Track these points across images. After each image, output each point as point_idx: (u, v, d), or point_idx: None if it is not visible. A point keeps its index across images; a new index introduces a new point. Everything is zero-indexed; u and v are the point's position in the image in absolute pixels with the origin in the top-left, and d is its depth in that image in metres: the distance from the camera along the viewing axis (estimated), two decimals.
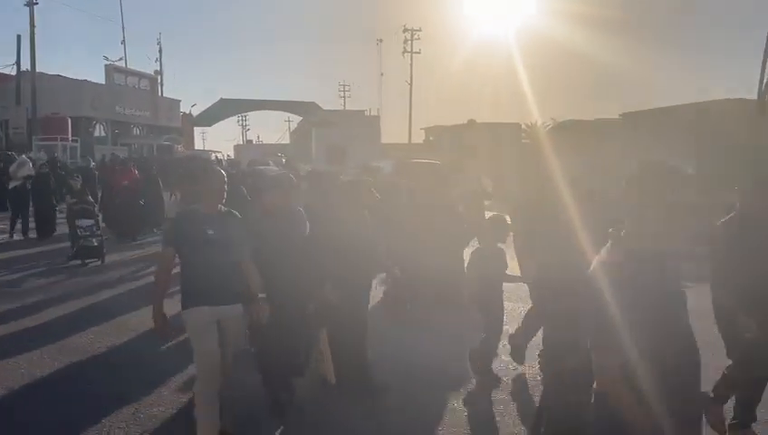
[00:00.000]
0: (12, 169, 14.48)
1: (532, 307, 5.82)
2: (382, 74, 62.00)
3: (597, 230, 5.32)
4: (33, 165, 14.80)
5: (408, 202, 8.52)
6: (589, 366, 3.34)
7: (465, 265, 5.72)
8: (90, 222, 10.87)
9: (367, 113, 52.19)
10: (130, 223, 13.88)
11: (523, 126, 40.13)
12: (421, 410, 4.89)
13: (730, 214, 4.23)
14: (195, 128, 58.82)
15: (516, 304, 7.64)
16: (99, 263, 10.88)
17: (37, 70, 35.45)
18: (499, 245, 5.58)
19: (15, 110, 35.19)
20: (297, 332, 4.59)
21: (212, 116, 56.87)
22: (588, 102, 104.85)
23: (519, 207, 5.90)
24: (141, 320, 7.21)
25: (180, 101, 53.08)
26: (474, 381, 5.42)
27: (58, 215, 14.22)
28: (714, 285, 4.15)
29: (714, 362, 5.22)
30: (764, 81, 17.43)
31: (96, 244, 10.88)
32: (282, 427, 4.59)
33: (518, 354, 5.65)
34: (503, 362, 5.78)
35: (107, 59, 45.69)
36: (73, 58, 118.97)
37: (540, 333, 5.95)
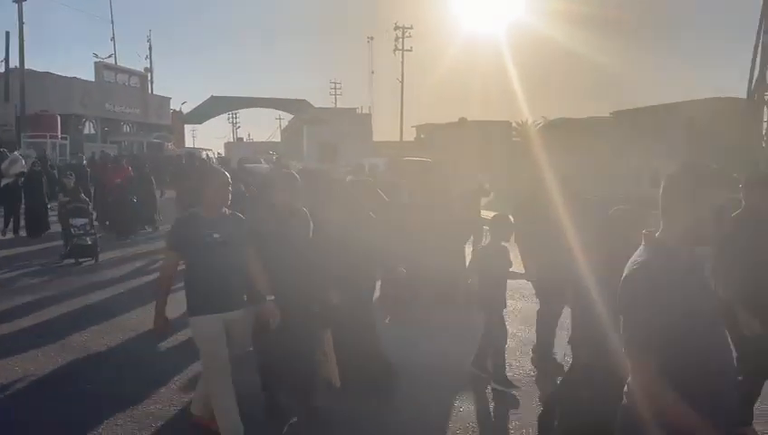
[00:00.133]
0: (3, 166, 14.30)
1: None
2: (373, 72, 61.87)
3: (587, 229, 5.43)
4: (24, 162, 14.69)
5: (408, 202, 8.56)
6: (603, 363, 3.39)
7: (468, 263, 5.73)
8: (83, 220, 10.79)
9: (358, 111, 52.24)
10: (124, 221, 13.83)
11: (514, 124, 40.29)
12: (422, 410, 4.91)
13: (735, 211, 4.27)
14: (185, 125, 58.78)
15: (518, 302, 7.72)
16: (93, 262, 10.82)
17: (26, 67, 35.16)
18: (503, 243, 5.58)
19: (4, 107, 34.91)
20: (301, 334, 4.56)
21: (202, 114, 56.75)
22: (579, 101, 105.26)
23: (518, 207, 5.96)
24: (139, 319, 7.22)
25: (170, 98, 52.94)
26: (476, 380, 5.43)
27: (49, 213, 14.15)
28: (716, 282, 4.20)
29: None
30: (754, 80, 17.57)
31: (90, 242, 10.82)
32: (285, 427, 4.59)
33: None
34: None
35: (96, 56, 45.62)
36: (63, 55, 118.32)
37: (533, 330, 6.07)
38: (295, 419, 4.65)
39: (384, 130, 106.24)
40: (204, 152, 35.19)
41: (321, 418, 4.64)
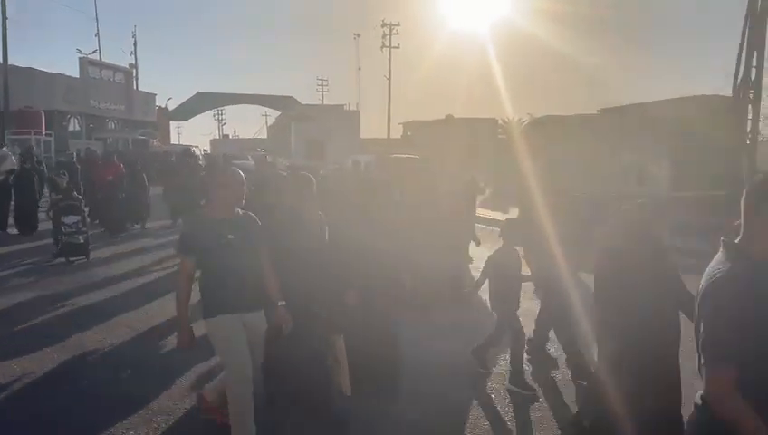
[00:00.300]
0: None
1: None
2: (360, 69, 61.85)
3: (573, 226, 5.51)
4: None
5: (401, 201, 8.59)
6: (627, 363, 3.46)
7: (484, 263, 5.68)
8: (76, 218, 10.68)
9: (346, 108, 52.18)
10: (115, 218, 13.76)
11: (500, 121, 40.39)
12: (428, 409, 4.94)
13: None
14: (170, 122, 58.44)
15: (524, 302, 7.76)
16: (84, 260, 10.74)
17: (9, 63, 34.76)
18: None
19: None
20: (312, 340, 4.44)
21: (188, 110, 56.58)
22: (564, 99, 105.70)
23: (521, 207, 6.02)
24: (138, 318, 7.27)
25: (156, 94, 52.67)
26: (481, 377, 5.49)
27: (39, 210, 14.05)
28: None
29: None
30: (739, 78, 17.80)
31: (82, 241, 10.72)
32: (293, 428, 4.58)
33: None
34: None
35: (80, 52, 45.10)
36: (46, 51, 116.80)
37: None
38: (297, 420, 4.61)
39: (371, 126, 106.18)
40: (192, 149, 35.06)
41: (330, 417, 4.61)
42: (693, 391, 2.30)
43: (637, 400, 3.51)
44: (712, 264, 2.24)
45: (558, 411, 4.95)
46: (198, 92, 54.82)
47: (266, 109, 64.90)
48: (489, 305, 5.74)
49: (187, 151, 15.36)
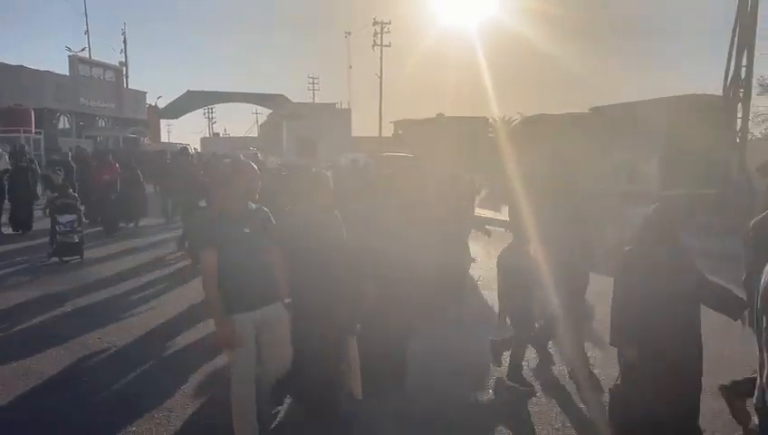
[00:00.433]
0: None
1: None
2: (351, 67, 61.82)
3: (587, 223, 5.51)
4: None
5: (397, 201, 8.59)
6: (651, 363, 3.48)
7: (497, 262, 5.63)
8: (71, 217, 10.61)
9: (337, 106, 52.16)
10: (111, 218, 13.73)
11: (491, 120, 40.49)
12: (430, 404, 4.96)
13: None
14: (161, 120, 58.20)
15: None
16: (79, 259, 10.68)
17: None
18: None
19: None
20: (324, 341, 4.35)
21: (178, 108, 56.38)
22: (554, 98, 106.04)
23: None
24: (140, 319, 7.29)
25: (146, 92, 52.34)
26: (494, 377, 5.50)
27: (34, 210, 14.00)
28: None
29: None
30: (729, 77, 17.95)
31: (77, 240, 10.66)
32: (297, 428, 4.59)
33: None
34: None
35: (69, 49, 44.83)
36: (36, 48, 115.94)
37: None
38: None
39: (361, 125, 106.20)
40: (181, 147, 34.95)
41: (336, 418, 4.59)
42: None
43: (654, 405, 3.54)
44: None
45: (556, 407, 5.00)
46: (189, 90, 54.68)
47: (257, 107, 64.84)
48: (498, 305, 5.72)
49: (184, 150, 15.30)
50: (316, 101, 61.99)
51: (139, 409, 4.86)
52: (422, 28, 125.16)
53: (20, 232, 13.57)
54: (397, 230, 5.07)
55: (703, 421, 3.97)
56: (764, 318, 2.24)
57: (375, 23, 48.76)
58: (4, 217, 13.89)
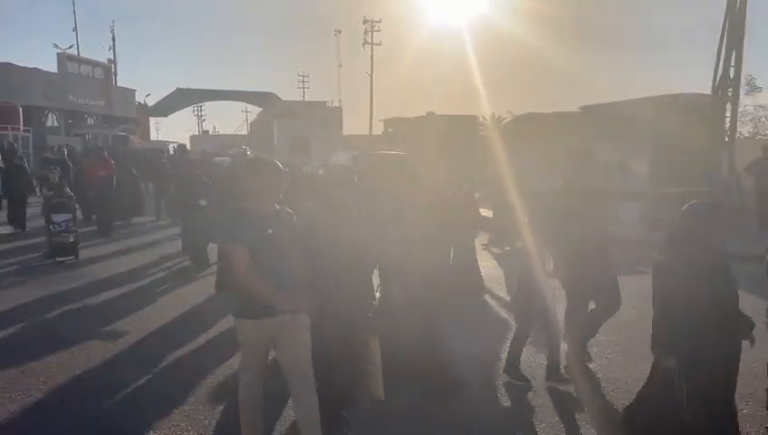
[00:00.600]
0: None
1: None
2: (341, 65, 61.83)
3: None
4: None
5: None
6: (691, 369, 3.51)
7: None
8: (65, 217, 10.47)
9: (328, 105, 52.16)
10: (107, 216, 13.70)
11: (481, 119, 40.59)
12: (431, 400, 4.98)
13: None
14: (150, 118, 57.95)
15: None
16: (74, 259, 10.58)
17: None
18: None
19: None
20: (346, 343, 4.28)
21: (168, 106, 56.19)
22: (545, 97, 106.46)
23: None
24: (141, 320, 7.29)
25: (135, 90, 52.10)
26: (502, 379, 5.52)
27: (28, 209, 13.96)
28: None
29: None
30: (719, 77, 18.14)
31: (72, 240, 10.54)
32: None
33: None
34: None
35: (57, 46, 44.58)
36: (23, 45, 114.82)
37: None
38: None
39: (352, 123, 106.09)
40: (171, 145, 34.84)
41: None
42: None
43: (693, 410, 3.57)
44: None
45: (552, 403, 5.08)
46: (178, 88, 54.53)
47: (247, 105, 64.72)
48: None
49: (182, 148, 15.26)
50: (306, 99, 61.96)
51: (141, 409, 4.90)
52: (412, 26, 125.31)
53: (21, 230, 13.52)
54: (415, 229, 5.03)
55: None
56: None
57: (365, 21, 48.86)
58: (3, 216, 13.80)
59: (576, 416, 4.84)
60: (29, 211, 14.24)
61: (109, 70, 48.63)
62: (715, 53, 18.19)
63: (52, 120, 41.04)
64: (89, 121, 44.28)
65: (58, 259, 10.48)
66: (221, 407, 4.93)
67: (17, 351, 6.23)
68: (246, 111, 69.38)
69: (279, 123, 46.35)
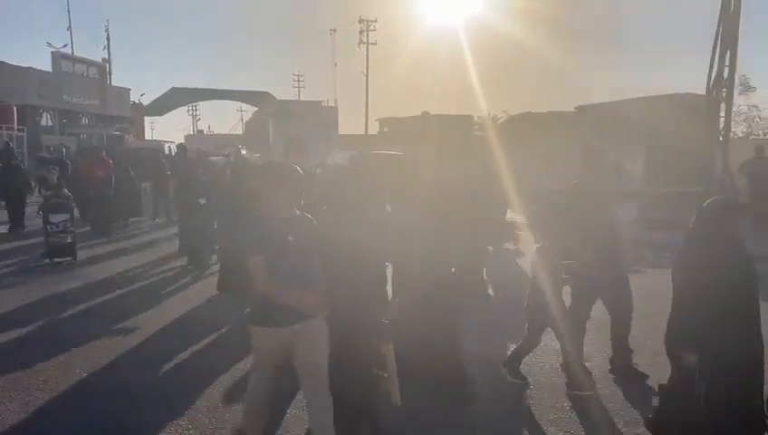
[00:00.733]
0: None
1: None
2: (336, 65, 61.77)
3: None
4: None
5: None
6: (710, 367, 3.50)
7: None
8: (63, 217, 10.42)
9: (324, 104, 52.13)
10: (106, 216, 13.69)
11: (476, 118, 40.65)
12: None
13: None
14: (144, 117, 57.78)
15: None
16: (71, 260, 10.54)
17: None
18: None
19: None
20: (363, 352, 4.24)
21: (163, 105, 56.03)
22: (539, 97, 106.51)
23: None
24: (143, 320, 7.27)
25: (130, 89, 51.90)
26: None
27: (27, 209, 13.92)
28: None
29: None
30: (713, 77, 18.23)
31: (69, 240, 10.50)
32: None
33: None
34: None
35: (51, 45, 44.39)
36: (17, 44, 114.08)
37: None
38: None
39: (347, 123, 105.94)
40: (166, 145, 34.77)
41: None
42: None
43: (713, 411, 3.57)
44: None
45: (549, 399, 5.13)
46: (173, 87, 54.37)
47: (242, 104, 64.60)
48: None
49: (182, 148, 15.22)
50: (301, 98, 61.93)
51: (141, 409, 4.91)
52: (408, 26, 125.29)
53: (21, 229, 13.51)
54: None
55: None
56: None
57: (361, 20, 48.89)
58: (3, 216, 13.79)
59: (576, 416, 4.87)
60: (26, 211, 14.16)
61: (103, 69, 48.44)
62: (710, 54, 18.30)
63: (46, 120, 40.88)
64: (83, 121, 44.13)
65: (55, 260, 10.44)
66: (222, 408, 4.95)
67: (17, 351, 6.25)
68: (241, 111, 69.36)
69: (274, 123, 46.29)
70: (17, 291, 8.72)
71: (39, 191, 13.17)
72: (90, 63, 46.06)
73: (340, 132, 48.88)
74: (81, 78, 44.30)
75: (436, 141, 27.72)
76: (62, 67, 42.37)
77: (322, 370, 3.77)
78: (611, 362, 5.63)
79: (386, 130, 42.39)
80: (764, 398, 3.76)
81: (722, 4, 17.76)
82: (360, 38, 48.83)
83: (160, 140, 42.25)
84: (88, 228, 13.81)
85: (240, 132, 65.25)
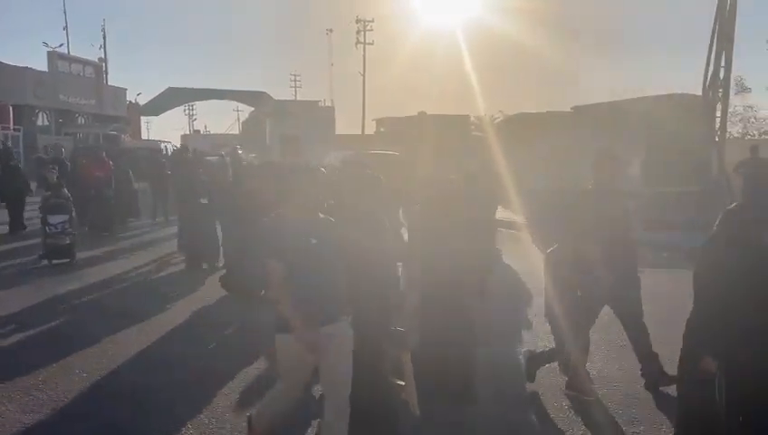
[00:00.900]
0: None
1: None
2: (333, 65, 61.83)
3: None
4: None
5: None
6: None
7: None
8: (62, 218, 10.33)
9: (321, 104, 52.15)
10: (105, 217, 13.68)
11: (473, 118, 40.62)
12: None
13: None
14: (141, 117, 57.64)
15: None
16: (70, 262, 10.46)
17: None
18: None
19: None
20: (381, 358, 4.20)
21: (159, 105, 55.86)
22: (536, 97, 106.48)
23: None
24: (143, 321, 7.25)
25: (126, 89, 51.77)
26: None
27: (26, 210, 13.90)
28: None
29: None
30: (709, 77, 18.28)
31: (68, 242, 10.42)
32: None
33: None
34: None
35: (47, 45, 44.29)
36: (12, 44, 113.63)
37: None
38: None
39: (343, 122, 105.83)
40: (163, 144, 34.70)
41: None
42: None
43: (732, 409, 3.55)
44: None
45: (549, 400, 5.15)
46: (169, 87, 54.19)
47: (238, 104, 64.50)
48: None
49: (183, 148, 15.19)
50: (298, 98, 61.89)
51: (141, 410, 4.92)
52: (405, 26, 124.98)
53: (23, 229, 13.50)
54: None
55: None
56: None
57: (358, 20, 48.88)
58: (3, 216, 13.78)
59: (576, 416, 4.89)
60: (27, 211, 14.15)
61: (99, 69, 48.34)
62: (706, 54, 18.36)
63: (42, 120, 40.79)
64: (79, 120, 43.99)
65: (54, 261, 10.35)
66: (223, 409, 4.95)
67: (17, 351, 6.25)
68: (238, 111, 69.27)
69: (271, 122, 46.29)
70: (17, 291, 8.70)
71: (38, 191, 13.12)
72: (86, 63, 45.95)
73: (336, 132, 48.95)
74: (78, 78, 44.20)
75: (432, 141, 27.81)
76: (59, 67, 42.26)
77: (347, 377, 3.72)
78: (642, 373, 5.47)
79: (383, 130, 42.37)
80: None
81: (718, 5, 17.81)
82: (357, 38, 48.83)
83: (158, 140, 42.14)
84: (86, 229, 13.75)
85: (237, 132, 65.17)
